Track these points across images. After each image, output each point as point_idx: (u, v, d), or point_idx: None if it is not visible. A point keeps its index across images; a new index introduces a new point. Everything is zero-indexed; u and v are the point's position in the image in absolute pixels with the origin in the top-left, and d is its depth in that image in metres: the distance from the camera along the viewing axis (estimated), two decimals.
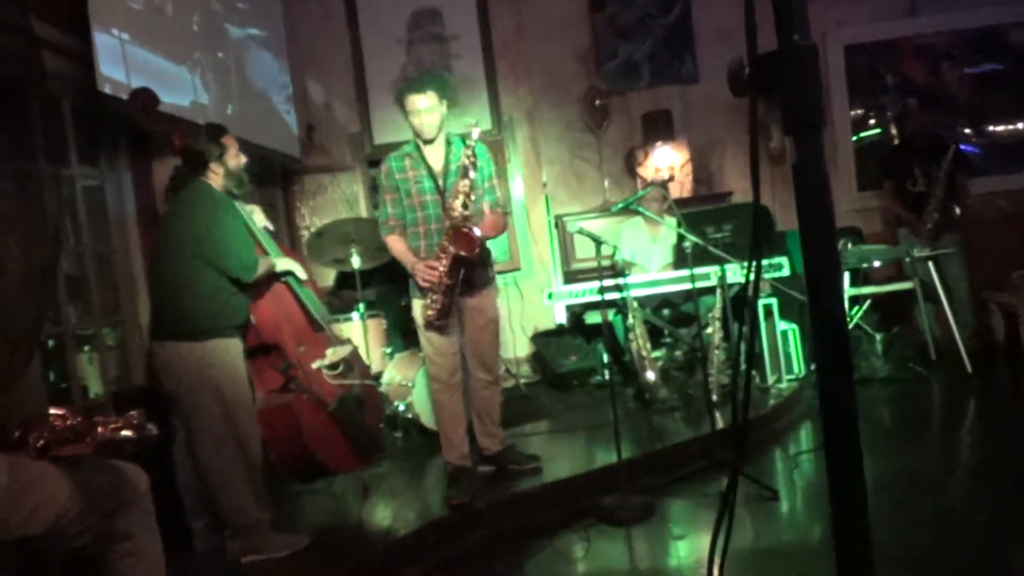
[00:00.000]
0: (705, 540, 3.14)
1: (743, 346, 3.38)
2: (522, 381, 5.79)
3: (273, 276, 3.35)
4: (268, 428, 3.20)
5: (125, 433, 1.84)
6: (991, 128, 6.54)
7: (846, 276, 5.31)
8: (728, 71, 1.02)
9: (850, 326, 5.33)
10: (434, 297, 3.54)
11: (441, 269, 3.49)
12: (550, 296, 5.45)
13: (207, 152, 3.14)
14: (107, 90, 3.48)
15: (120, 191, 3.96)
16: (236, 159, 3.22)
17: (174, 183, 3.31)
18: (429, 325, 3.60)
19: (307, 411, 3.35)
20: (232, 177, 3.22)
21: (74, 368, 3.54)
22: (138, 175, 4.06)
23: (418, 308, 3.64)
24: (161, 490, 2.54)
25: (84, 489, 1.95)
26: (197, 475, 3.14)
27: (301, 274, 3.48)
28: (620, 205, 4.51)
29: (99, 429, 1.82)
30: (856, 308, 5.52)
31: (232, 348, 3.12)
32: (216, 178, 3.17)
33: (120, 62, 3.60)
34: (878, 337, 5.49)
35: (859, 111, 6.62)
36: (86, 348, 3.75)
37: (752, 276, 1.15)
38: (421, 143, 3.65)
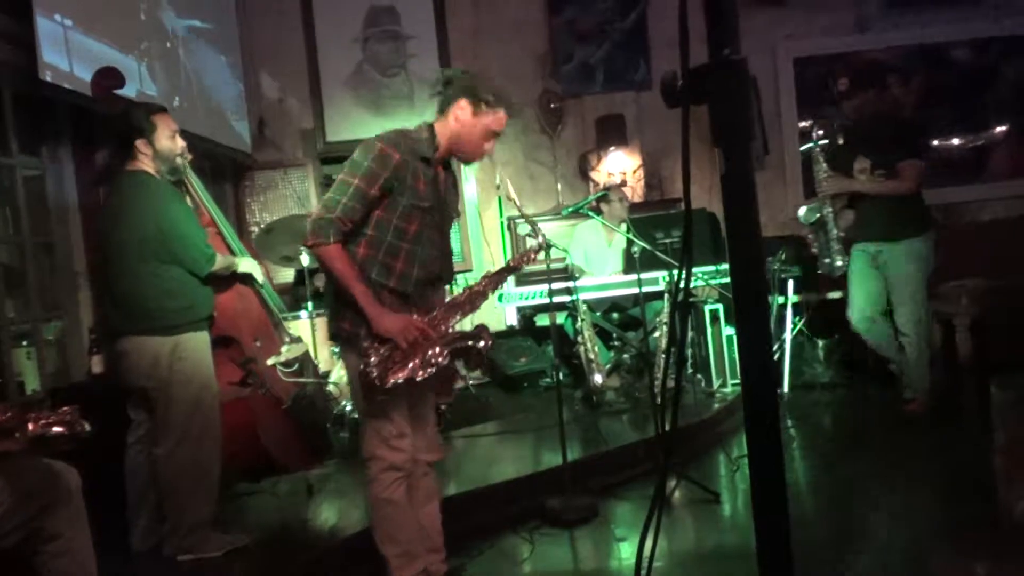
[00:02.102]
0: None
1: (673, 349, 3.40)
2: (471, 382, 5.79)
3: (234, 274, 3.31)
4: (223, 422, 3.15)
5: (57, 430, 1.80)
6: (934, 143, 6.72)
7: (790, 284, 5.40)
8: (661, 82, 1.04)
9: (793, 332, 5.43)
10: (388, 353, 2.43)
11: (438, 349, 2.43)
12: (500, 298, 5.46)
13: (138, 124, 2.96)
14: (48, 78, 3.39)
15: (62, 181, 3.87)
16: (170, 141, 3.03)
17: (108, 170, 3.20)
18: (375, 386, 2.41)
19: (263, 407, 3.32)
20: (164, 160, 3.02)
21: (10, 363, 3.44)
22: (81, 165, 3.97)
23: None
24: (102, 486, 2.50)
25: (12, 487, 1.91)
26: (148, 469, 3.07)
27: (259, 277, 3.44)
28: (571, 208, 4.54)
29: (29, 425, 1.77)
30: (799, 315, 5.62)
31: (201, 342, 3.07)
32: (146, 160, 2.99)
33: (63, 49, 3.51)
34: (820, 343, 5.62)
35: (807, 122, 6.75)
36: (24, 343, 3.66)
37: (683, 282, 1.17)
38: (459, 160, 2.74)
